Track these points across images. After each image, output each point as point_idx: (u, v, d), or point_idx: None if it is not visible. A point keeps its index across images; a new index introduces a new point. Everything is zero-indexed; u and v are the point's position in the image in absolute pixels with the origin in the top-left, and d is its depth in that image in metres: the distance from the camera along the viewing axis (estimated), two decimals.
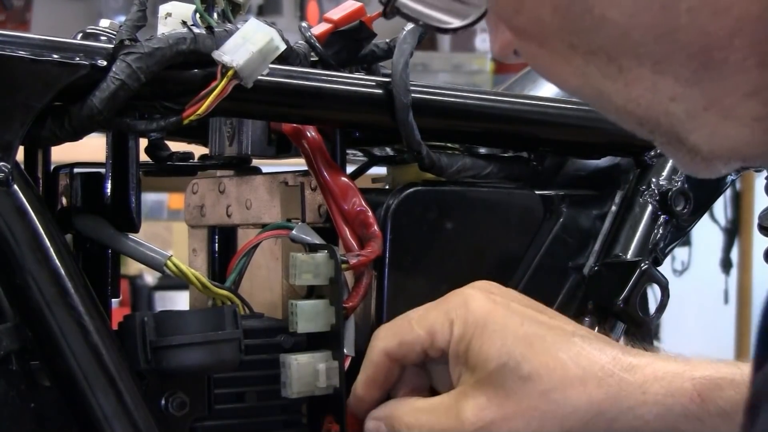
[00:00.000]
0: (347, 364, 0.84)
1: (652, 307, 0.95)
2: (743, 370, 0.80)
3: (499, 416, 0.79)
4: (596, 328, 0.93)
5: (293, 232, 0.85)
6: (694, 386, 0.79)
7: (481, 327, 0.81)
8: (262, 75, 0.78)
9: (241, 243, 0.92)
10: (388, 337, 0.84)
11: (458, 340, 0.81)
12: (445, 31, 0.66)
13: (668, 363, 0.81)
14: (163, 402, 0.79)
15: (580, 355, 0.81)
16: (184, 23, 0.79)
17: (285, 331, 0.83)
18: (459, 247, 0.90)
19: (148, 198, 3.19)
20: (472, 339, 0.81)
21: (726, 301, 4.05)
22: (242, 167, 0.94)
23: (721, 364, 0.82)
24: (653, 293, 0.95)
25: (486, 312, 0.82)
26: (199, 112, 0.77)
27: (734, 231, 3.87)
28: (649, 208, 0.97)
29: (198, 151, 0.96)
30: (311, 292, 0.84)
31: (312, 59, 0.88)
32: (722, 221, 3.86)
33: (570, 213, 0.95)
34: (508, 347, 0.80)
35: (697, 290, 3.90)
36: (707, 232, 3.72)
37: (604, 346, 0.82)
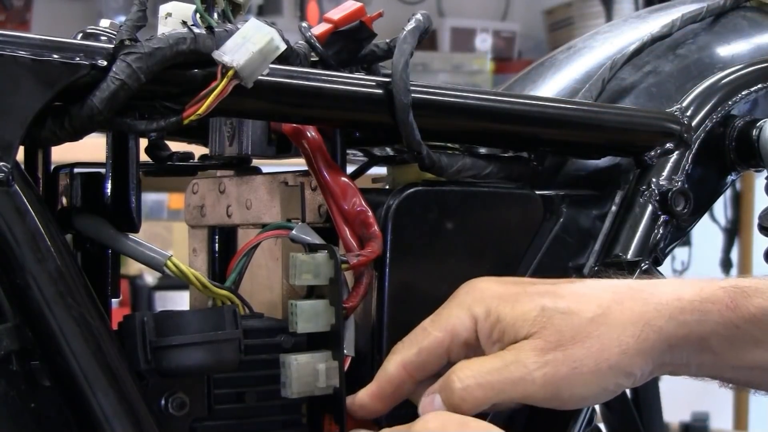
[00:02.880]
0: (347, 364, 0.84)
1: None
2: (762, 280, 0.81)
3: (560, 350, 0.80)
4: None
5: (293, 232, 0.85)
6: (725, 293, 0.81)
7: (501, 296, 0.83)
8: (262, 75, 0.78)
9: (241, 243, 0.92)
10: (404, 348, 0.83)
11: (485, 316, 0.82)
12: None
13: (687, 279, 0.84)
14: (162, 402, 0.79)
15: (600, 285, 0.83)
16: (184, 23, 0.79)
17: (285, 331, 0.83)
18: (459, 247, 0.90)
19: (148, 198, 3.18)
20: (499, 307, 0.82)
21: None
22: (242, 167, 0.94)
23: (739, 276, 0.85)
24: None
25: (497, 284, 0.84)
26: (199, 112, 0.77)
27: (734, 231, 3.86)
28: (649, 208, 0.97)
29: (198, 151, 0.96)
30: (311, 292, 0.84)
31: (312, 59, 0.88)
32: (722, 221, 3.85)
33: (570, 213, 0.95)
34: (537, 297, 0.82)
35: None
36: (707, 233, 3.71)
37: (615, 278, 0.85)
